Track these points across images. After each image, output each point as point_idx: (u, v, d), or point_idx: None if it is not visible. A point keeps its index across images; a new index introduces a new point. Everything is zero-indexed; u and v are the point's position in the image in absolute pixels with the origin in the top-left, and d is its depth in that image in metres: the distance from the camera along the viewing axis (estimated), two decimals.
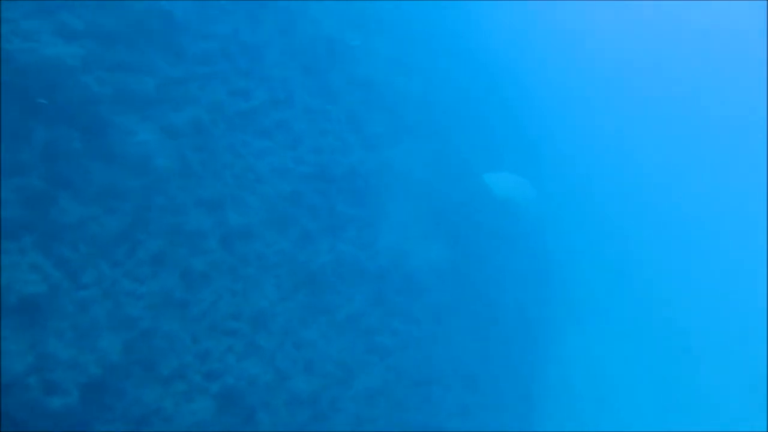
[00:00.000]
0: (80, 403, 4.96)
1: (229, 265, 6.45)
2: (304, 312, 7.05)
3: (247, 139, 6.81)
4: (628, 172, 21.65)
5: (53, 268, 5.06)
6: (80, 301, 5.17)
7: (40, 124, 5.21)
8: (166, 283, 5.85)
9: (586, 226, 19.25)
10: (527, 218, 14.65)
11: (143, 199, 5.79)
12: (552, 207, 15.89)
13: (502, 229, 13.59)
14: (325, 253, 7.50)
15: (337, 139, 8.04)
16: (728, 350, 15.26)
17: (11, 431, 4.58)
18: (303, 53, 7.98)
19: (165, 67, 6.12)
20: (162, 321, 5.74)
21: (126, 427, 5.38)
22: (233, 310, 6.37)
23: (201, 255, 6.18)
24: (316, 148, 7.64)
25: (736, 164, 21.50)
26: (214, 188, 6.40)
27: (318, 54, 8.15)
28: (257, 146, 6.90)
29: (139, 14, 6.05)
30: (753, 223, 20.03)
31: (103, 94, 5.55)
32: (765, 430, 13.32)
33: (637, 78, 25.24)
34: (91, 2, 5.72)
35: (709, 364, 15.24)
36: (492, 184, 13.44)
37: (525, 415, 11.34)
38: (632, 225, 19.78)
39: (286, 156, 7.20)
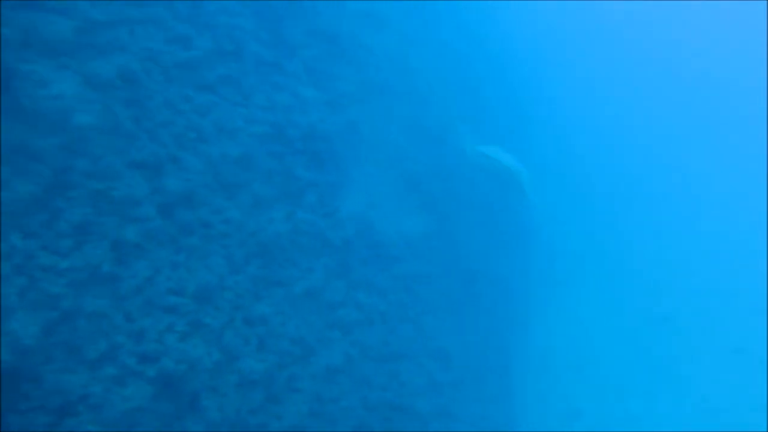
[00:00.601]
0: None
1: (169, 235, 5.78)
2: (256, 286, 6.43)
3: (189, 94, 6.06)
4: (618, 153, 21.24)
5: None
6: None
7: None
8: (92, 256, 5.17)
9: (572, 203, 18.83)
10: (513, 192, 14.07)
11: (62, 160, 5.06)
12: (539, 183, 15.25)
13: (483, 200, 13.04)
14: (281, 222, 6.85)
15: (294, 97, 7.31)
16: (713, 323, 15.02)
17: None
18: None
19: (86, 7, 5.32)
20: (87, 299, 5.08)
21: (47, 417, 4.77)
22: (174, 285, 5.73)
23: (134, 224, 5.50)
24: (270, 106, 6.91)
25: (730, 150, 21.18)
26: (149, 149, 5.68)
27: (272, 1, 7.35)
28: (200, 102, 6.16)
29: None
30: (736, 195, 19.75)
31: (7, 38, 4.76)
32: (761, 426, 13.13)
33: (636, 65, 24.87)
34: None
35: (691, 337, 15.01)
36: (482, 157, 12.83)
37: (502, 391, 10.95)
38: (618, 202, 19.43)
39: (235, 113, 6.47)
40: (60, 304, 4.93)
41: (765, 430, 12.48)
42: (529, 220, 16.40)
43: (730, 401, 12.74)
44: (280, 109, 7.03)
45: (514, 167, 13.28)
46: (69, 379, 4.91)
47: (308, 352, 6.86)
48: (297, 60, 7.45)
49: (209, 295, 5.97)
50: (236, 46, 6.58)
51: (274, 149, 6.90)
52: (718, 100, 23.83)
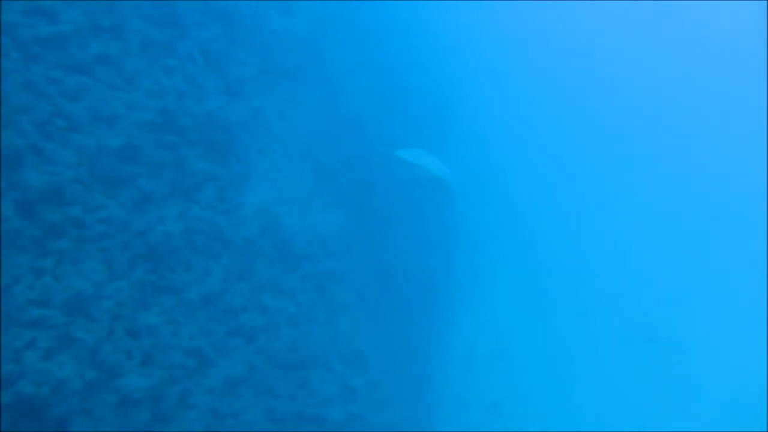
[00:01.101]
0: None
1: (31, 238, 4.99)
2: (142, 293, 5.73)
3: (55, 75, 5.26)
4: (543, 154, 21.53)
5: None
6: None
7: None
8: None
9: (493, 198, 18.89)
10: (439, 197, 13.74)
11: None
12: (462, 184, 14.98)
13: (405, 196, 12.70)
14: (173, 221, 6.17)
15: (187, 82, 6.61)
16: (626, 315, 15.44)
17: None
18: None
19: None
20: None
21: None
22: (37, 295, 4.96)
23: None
24: (159, 91, 6.19)
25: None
26: (3, 138, 4.86)
27: None
28: (71, 84, 5.38)
29: None
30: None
31: None
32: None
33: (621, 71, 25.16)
34: None
35: (604, 329, 15.38)
36: (402, 163, 12.37)
37: (421, 391, 10.68)
38: (541, 199, 19.71)
39: (116, 99, 5.72)
40: None
41: (764, 430, 12.54)
42: (451, 216, 16.29)
43: (642, 391, 13.11)
44: (171, 95, 6.32)
45: (441, 174, 12.79)
46: None
47: (205, 363, 6.24)
48: (191, 41, 6.74)
49: (83, 305, 5.23)
50: (115, 21, 5.81)
51: (163, 139, 6.19)
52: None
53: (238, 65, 7.43)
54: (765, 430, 11.80)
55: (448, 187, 12.96)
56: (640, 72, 24.85)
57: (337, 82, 10.63)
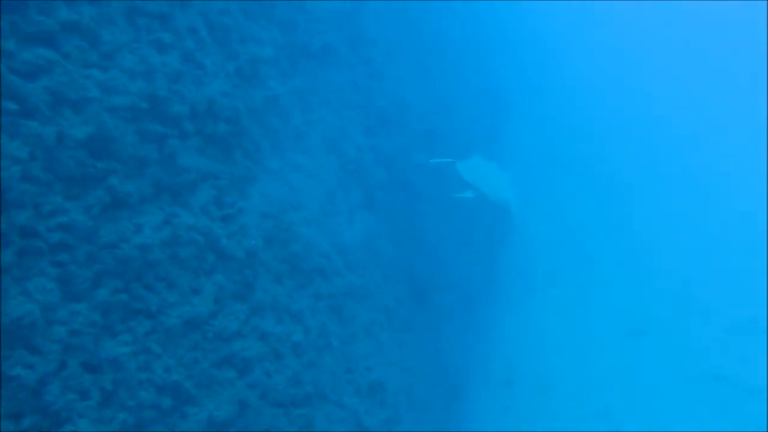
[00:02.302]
0: None
1: None
2: (106, 317, 4.69)
3: (7, 47, 4.21)
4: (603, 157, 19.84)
5: None
6: None
7: None
8: None
9: (548, 206, 17.45)
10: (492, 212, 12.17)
11: None
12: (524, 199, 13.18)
13: (441, 197, 11.37)
14: (155, 228, 5.09)
15: (186, 61, 5.49)
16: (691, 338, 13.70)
17: None
18: None
19: None
20: None
21: None
22: None
23: None
24: (145, 71, 5.09)
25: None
26: None
27: None
28: (26, 59, 4.32)
29: None
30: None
31: None
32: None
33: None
34: None
35: (668, 349, 13.69)
36: (462, 170, 10.87)
37: (450, 418, 9.45)
38: (599, 210, 18.10)
39: (87, 78, 4.64)
40: None
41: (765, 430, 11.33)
42: (503, 230, 14.87)
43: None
44: (161, 76, 5.21)
45: (501, 198, 11.01)
46: None
47: (183, 401, 5.18)
48: (194, 11, 5.60)
49: (25, 334, 4.22)
50: None
51: (148, 129, 5.09)
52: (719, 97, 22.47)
53: (252, 43, 6.27)
54: (765, 430, 10.73)
55: (508, 210, 11.31)
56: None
57: (377, 66, 9.36)
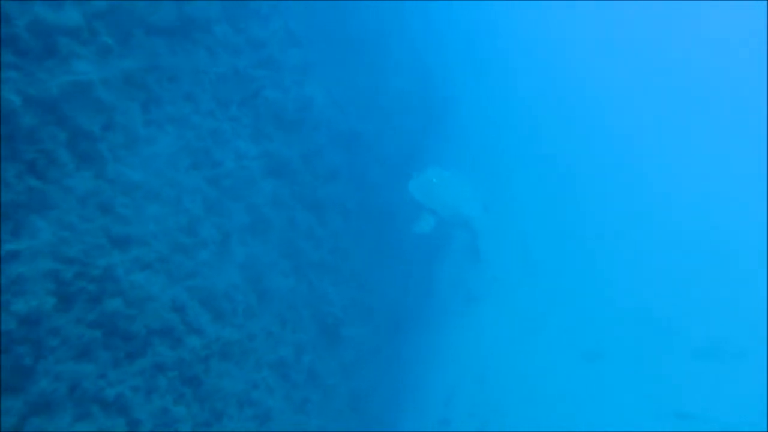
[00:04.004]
0: None
1: None
2: None
3: None
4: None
5: None
6: None
7: None
8: None
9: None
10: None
11: None
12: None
13: (364, 208, 9.55)
14: None
15: None
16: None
17: None
18: None
19: None
20: None
21: None
22: None
23: None
24: None
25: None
26: None
27: None
28: None
29: None
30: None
31: None
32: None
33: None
34: None
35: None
36: (417, 192, 8.99)
37: None
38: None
39: None
40: None
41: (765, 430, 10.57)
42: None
43: None
44: None
45: (467, 217, 9.22)
46: None
47: None
48: None
49: None
50: None
51: None
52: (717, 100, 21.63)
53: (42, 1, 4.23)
54: (765, 430, 10.28)
55: (473, 229, 9.46)
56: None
57: (271, 51, 7.45)
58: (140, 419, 4.43)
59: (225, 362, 5.57)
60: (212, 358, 5.36)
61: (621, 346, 12.75)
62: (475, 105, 18.77)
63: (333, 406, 7.84)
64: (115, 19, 4.86)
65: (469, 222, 9.16)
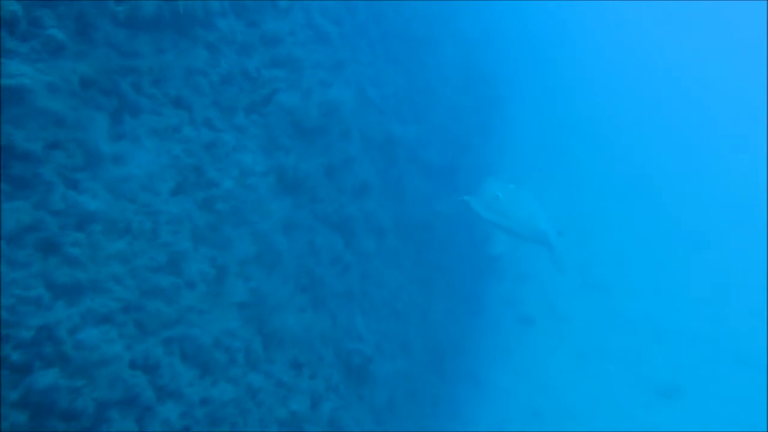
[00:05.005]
0: None
1: None
2: None
3: None
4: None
5: None
6: None
7: None
8: None
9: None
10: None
11: None
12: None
13: (399, 221, 8.42)
14: None
15: None
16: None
17: None
18: None
19: None
20: None
21: None
22: None
23: None
24: None
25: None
26: None
27: None
28: None
29: None
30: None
31: None
32: None
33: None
34: None
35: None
36: (482, 209, 7.93)
37: None
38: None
39: None
40: None
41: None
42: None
43: None
44: None
45: (541, 231, 8.13)
46: None
47: None
48: None
49: None
50: None
51: None
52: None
53: None
54: (765, 430, 9.65)
55: (550, 244, 8.33)
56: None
57: (290, 49, 6.43)
58: None
59: (216, 429, 4.53)
60: (197, 427, 4.32)
61: (705, 381, 11.07)
62: (531, 107, 17.31)
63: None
64: (72, 8, 3.87)
65: (546, 236, 8.02)
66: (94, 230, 3.81)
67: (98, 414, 3.60)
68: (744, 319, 12.32)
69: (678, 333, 12.17)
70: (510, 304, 12.90)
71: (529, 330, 12.77)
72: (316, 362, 6.18)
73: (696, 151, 17.72)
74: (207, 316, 4.67)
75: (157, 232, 4.30)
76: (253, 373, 5.17)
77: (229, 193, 5.19)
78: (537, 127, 17.15)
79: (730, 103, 20.21)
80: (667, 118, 18.67)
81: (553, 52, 18.03)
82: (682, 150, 17.67)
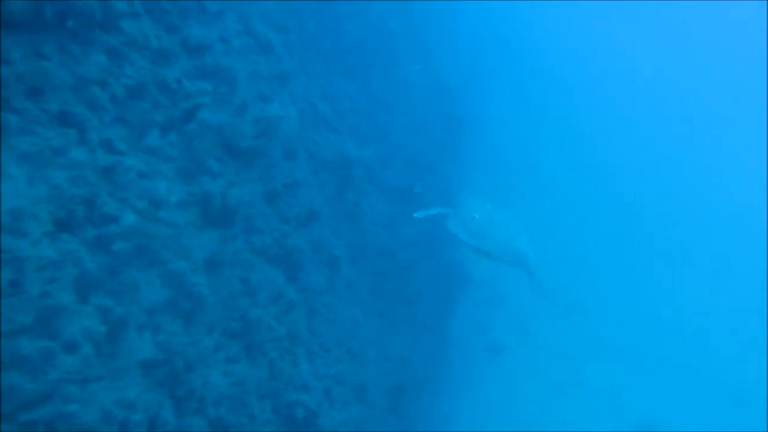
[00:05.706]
0: None
1: None
2: None
3: None
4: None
5: None
6: None
7: None
8: None
9: None
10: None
11: None
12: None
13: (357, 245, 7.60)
14: None
15: None
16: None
17: None
18: None
19: None
20: None
21: None
22: None
23: None
24: None
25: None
26: None
27: None
28: None
29: None
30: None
31: None
32: None
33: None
34: None
35: None
36: (459, 231, 7.16)
37: None
38: None
39: None
40: None
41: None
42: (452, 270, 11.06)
43: None
44: None
45: (520, 253, 7.42)
46: None
47: None
48: None
49: None
50: None
51: None
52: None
53: None
54: (765, 430, 9.70)
55: (528, 266, 7.60)
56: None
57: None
58: None
59: None
60: None
61: (684, 415, 10.39)
62: (506, 121, 16.69)
63: None
64: None
65: (526, 258, 7.30)
66: None
67: None
68: (727, 344, 11.73)
69: (659, 361, 11.51)
70: (480, 331, 12.11)
71: (500, 359, 11.99)
72: (246, 423, 5.27)
73: (678, 169, 17.28)
74: (93, 385, 3.75)
75: (20, 284, 3.37)
76: None
77: (133, 229, 4.29)
78: (512, 143, 16.53)
79: (717, 116, 19.97)
80: (648, 133, 18.26)
81: (529, 63, 17.48)
82: (664, 167, 17.21)
